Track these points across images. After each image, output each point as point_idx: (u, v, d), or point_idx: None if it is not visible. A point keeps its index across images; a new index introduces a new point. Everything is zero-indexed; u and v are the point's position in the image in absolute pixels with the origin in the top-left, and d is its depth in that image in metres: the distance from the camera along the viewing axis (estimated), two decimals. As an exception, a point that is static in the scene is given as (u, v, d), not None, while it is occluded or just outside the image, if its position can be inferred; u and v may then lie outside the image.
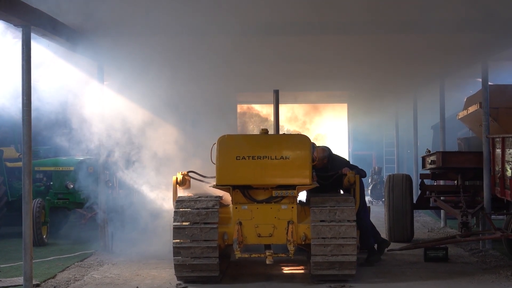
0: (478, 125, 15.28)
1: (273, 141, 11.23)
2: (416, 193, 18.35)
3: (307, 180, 10.88)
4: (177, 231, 10.83)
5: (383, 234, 14.33)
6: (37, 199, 15.08)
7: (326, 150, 12.51)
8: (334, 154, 12.69)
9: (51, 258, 13.41)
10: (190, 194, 11.70)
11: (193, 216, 10.85)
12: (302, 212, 11.15)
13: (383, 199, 16.34)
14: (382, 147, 29.83)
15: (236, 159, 10.84)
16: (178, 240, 10.81)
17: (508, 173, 12.68)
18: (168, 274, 11.55)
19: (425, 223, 19.39)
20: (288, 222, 10.90)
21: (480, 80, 14.73)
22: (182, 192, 12.11)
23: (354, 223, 10.84)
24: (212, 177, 11.56)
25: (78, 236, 16.23)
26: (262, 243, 11.08)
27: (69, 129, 14.89)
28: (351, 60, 16.89)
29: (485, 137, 14.05)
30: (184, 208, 10.95)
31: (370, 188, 26.53)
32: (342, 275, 10.88)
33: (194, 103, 19.70)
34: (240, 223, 10.91)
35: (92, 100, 14.40)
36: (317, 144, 12.96)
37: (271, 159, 10.83)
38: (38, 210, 14.84)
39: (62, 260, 13.23)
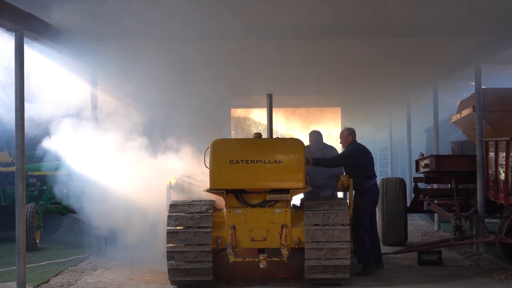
0: (471, 128, 15.31)
1: (267, 145, 11.22)
2: (409, 196, 18.37)
3: (300, 184, 10.89)
4: (171, 235, 10.82)
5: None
6: (31, 204, 15.05)
7: (349, 129, 12.68)
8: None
9: (45, 262, 13.39)
10: (183, 198, 11.69)
11: (187, 221, 10.84)
12: (295, 216, 11.14)
13: (377, 203, 16.37)
14: (376, 151, 29.86)
15: (230, 163, 10.84)
16: (171, 245, 10.80)
17: (502, 176, 12.70)
18: (162, 278, 11.53)
19: (419, 226, 19.41)
20: (282, 226, 10.89)
21: (473, 83, 14.76)
22: (175, 196, 12.12)
23: (348, 227, 10.85)
24: (205, 181, 11.55)
25: (72, 240, 16.20)
26: (256, 247, 11.07)
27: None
28: (344, 64, 16.91)
29: (479, 140, 14.07)
30: (178, 212, 10.94)
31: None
32: (335, 279, 10.88)
33: (188, 107, 19.69)
34: (234, 227, 10.89)
35: (85, 104, 14.41)
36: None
37: (264, 163, 10.83)
38: (31, 214, 14.80)
39: (55, 264, 13.20)
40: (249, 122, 28.39)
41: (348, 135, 12.55)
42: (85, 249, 14.60)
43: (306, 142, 13.26)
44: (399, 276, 12.03)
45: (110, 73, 14.90)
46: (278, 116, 26.73)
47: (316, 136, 13.57)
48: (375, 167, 12.67)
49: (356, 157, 12.25)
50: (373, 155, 12.70)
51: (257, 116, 27.99)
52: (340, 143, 12.88)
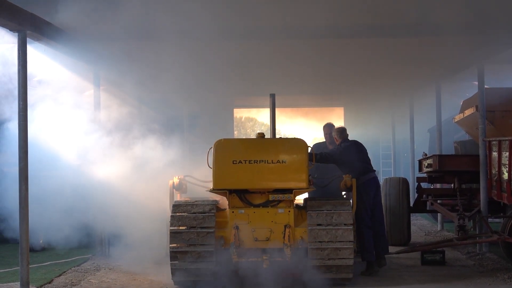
0: (474, 128, 15.29)
1: (270, 145, 11.23)
2: (413, 196, 18.35)
3: (303, 184, 10.90)
4: (174, 235, 10.83)
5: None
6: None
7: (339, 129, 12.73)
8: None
9: (48, 263, 13.40)
10: (186, 198, 11.70)
11: (190, 221, 10.85)
12: (299, 216, 11.15)
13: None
14: (379, 151, 29.83)
15: (233, 163, 10.86)
16: (175, 245, 10.81)
17: (505, 176, 12.69)
18: (165, 278, 11.53)
19: (422, 226, 19.40)
20: (285, 226, 10.90)
21: (477, 83, 14.74)
22: (178, 197, 12.12)
23: (351, 227, 10.86)
24: (208, 181, 11.56)
25: (75, 241, 16.19)
26: (259, 247, 11.07)
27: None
28: (347, 64, 16.89)
29: (482, 140, 14.06)
30: (181, 212, 10.96)
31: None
32: (339, 278, 10.90)
33: (191, 107, 19.67)
34: (237, 227, 10.90)
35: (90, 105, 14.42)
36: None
37: (267, 163, 10.85)
38: (34, 215, 14.79)
39: (58, 265, 13.22)
40: (252, 122, 28.38)
41: (339, 137, 12.56)
42: (88, 250, 14.61)
43: (310, 139, 13.27)
44: (402, 275, 12.03)
45: (113, 73, 14.90)
46: (280, 116, 26.73)
47: (330, 128, 13.50)
48: (377, 167, 12.63)
49: (350, 153, 12.29)
50: (375, 155, 12.67)
51: (261, 117, 27.97)
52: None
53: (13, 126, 12.26)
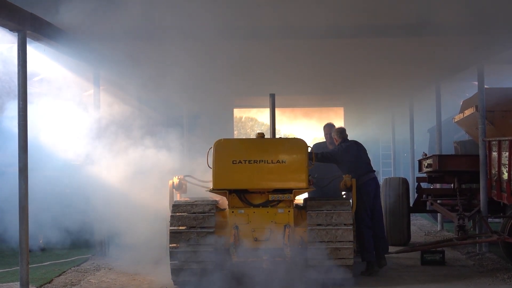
0: (474, 128, 15.29)
1: (269, 145, 11.23)
2: (412, 196, 18.36)
3: (303, 184, 10.91)
4: (174, 235, 10.84)
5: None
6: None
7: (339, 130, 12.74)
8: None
9: (48, 263, 13.40)
10: (186, 198, 11.70)
11: (190, 221, 10.86)
12: (298, 216, 11.15)
13: (380, 203, 16.34)
14: (379, 151, 29.83)
15: (233, 163, 10.86)
16: (174, 245, 10.81)
17: (505, 176, 12.69)
18: (165, 278, 11.53)
19: (422, 226, 19.40)
20: (285, 226, 10.90)
21: (476, 83, 14.75)
22: (178, 196, 12.12)
23: (351, 227, 10.86)
24: (208, 181, 11.56)
25: (75, 241, 16.18)
26: (259, 247, 11.07)
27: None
28: (347, 64, 16.90)
29: (482, 140, 14.06)
30: (181, 212, 10.96)
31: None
32: (339, 279, 10.88)
33: (191, 107, 19.65)
34: (237, 227, 10.90)
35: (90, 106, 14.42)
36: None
37: (267, 163, 10.86)
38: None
39: (58, 265, 13.21)
40: (252, 122, 28.39)
41: (339, 137, 12.56)
42: (88, 249, 14.61)
43: (310, 139, 13.27)
44: (402, 275, 12.03)
45: (113, 74, 14.90)
46: (280, 116, 26.74)
47: (330, 128, 13.50)
48: (377, 167, 12.62)
49: (350, 153, 12.28)
50: (375, 155, 12.66)
51: (261, 117, 28.00)
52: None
53: (10, 125, 12.29)
